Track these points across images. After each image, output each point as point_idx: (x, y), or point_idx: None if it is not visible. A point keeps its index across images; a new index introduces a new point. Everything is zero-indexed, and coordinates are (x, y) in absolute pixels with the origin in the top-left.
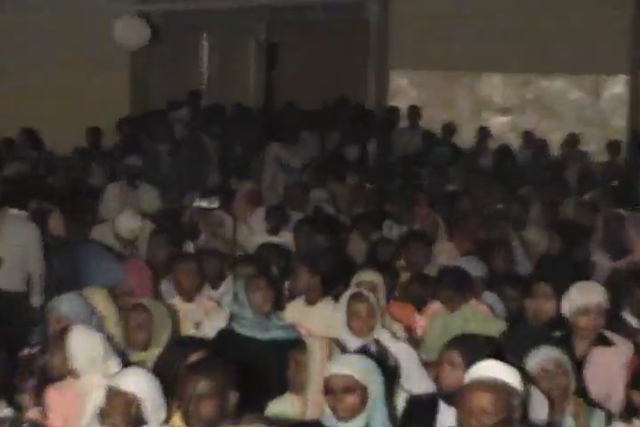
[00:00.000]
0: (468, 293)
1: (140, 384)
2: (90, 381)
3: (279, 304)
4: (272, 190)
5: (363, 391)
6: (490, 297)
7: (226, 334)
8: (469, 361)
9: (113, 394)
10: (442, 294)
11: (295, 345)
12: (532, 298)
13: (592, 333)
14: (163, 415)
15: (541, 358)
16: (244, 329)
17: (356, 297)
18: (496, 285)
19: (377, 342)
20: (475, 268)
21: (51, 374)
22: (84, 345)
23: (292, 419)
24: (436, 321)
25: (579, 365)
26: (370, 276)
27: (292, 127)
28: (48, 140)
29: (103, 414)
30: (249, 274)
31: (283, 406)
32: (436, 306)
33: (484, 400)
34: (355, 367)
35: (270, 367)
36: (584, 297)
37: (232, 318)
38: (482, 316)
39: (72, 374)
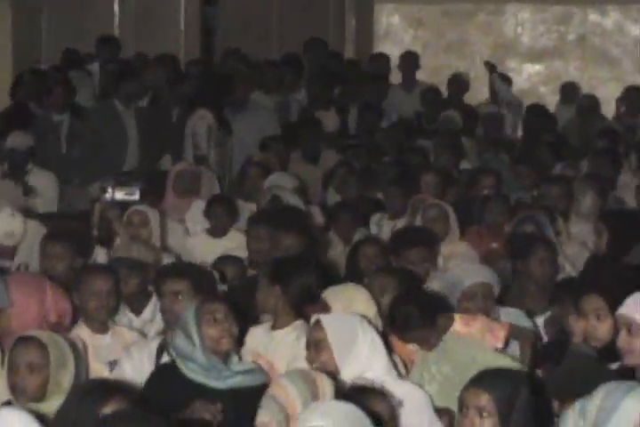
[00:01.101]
0: (444, 320)
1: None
2: None
3: (240, 340)
4: (213, 175)
5: None
6: (511, 314)
7: (168, 374)
8: (503, 406)
9: None
10: (408, 337)
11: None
12: (579, 316)
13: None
14: None
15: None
16: (192, 374)
17: (313, 325)
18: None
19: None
20: (483, 275)
21: None
22: None
23: None
24: (418, 369)
25: None
26: (347, 292)
27: (239, 85)
28: None
29: None
30: (202, 300)
31: None
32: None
33: None
34: (334, 420)
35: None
36: None
37: (175, 352)
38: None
39: None
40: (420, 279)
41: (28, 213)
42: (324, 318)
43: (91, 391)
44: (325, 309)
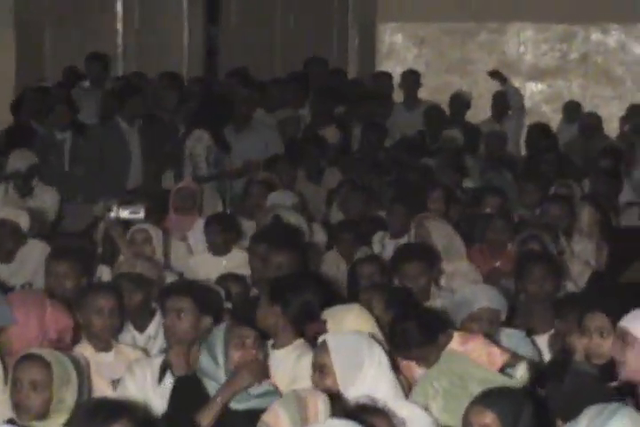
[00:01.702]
0: (443, 337)
1: None
2: None
3: None
4: (214, 193)
5: None
6: (512, 336)
7: (191, 389)
8: (508, 424)
9: None
10: (408, 355)
11: None
12: (582, 334)
13: None
14: None
15: None
16: (214, 392)
17: (319, 347)
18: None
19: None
20: (492, 300)
21: None
22: None
23: None
24: (421, 386)
25: None
26: (351, 314)
27: (241, 104)
28: None
29: None
30: (234, 323)
31: None
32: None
33: None
34: None
35: None
36: None
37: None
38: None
39: None
40: (416, 296)
41: (31, 233)
42: (331, 341)
43: (96, 412)
44: (325, 327)
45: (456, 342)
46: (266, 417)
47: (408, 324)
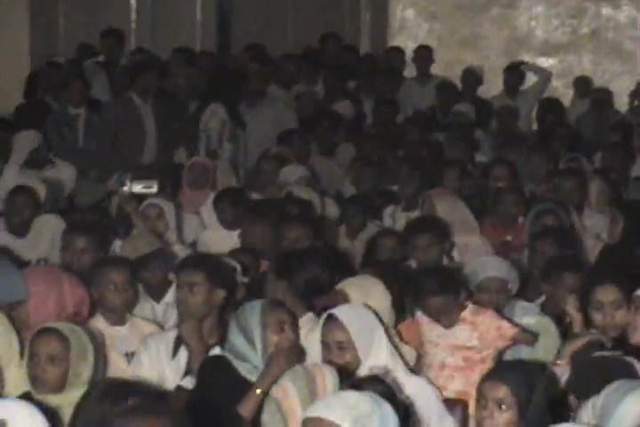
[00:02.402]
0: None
1: (14, 414)
2: None
3: None
4: (228, 168)
5: None
6: (526, 308)
7: (220, 368)
8: (522, 399)
9: None
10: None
11: None
12: (595, 308)
13: None
14: None
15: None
16: (247, 373)
17: (330, 321)
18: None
19: (386, 372)
20: (499, 269)
21: None
22: None
23: None
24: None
25: None
26: (364, 283)
27: (256, 79)
28: None
29: None
30: (269, 306)
31: None
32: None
33: None
34: (335, 411)
35: None
36: None
37: (229, 349)
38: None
39: None
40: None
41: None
42: (343, 316)
43: (110, 392)
44: (334, 299)
45: (468, 312)
46: (274, 392)
47: (432, 274)
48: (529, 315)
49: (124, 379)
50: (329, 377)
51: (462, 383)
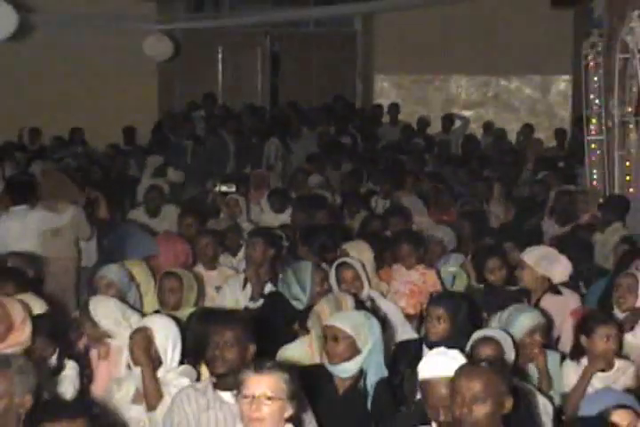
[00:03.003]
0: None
1: (155, 321)
2: (122, 337)
3: None
4: (278, 177)
5: (349, 341)
6: (456, 260)
7: (278, 301)
8: (452, 314)
9: (134, 332)
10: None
11: None
12: (487, 272)
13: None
14: (177, 356)
15: (527, 327)
16: (297, 304)
17: (342, 265)
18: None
19: (371, 300)
20: (440, 231)
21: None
22: (103, 310)
23: (300, 362)
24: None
25: None
26: (357, 245)
27: (294, 123)
28: (91, 138)
29: (130, 352)
30: (318, 265)
31: (293, 351)
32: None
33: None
34: (343, 321)
35: None
36: (538, 255)
37: (286, 289)
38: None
39: (106, 335)
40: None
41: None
42: (351, 262)
43: (214, 315)
44: (341, 255)
45: (421, 267)
46: (316, 308)
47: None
48: (454, 265)
49: (215, 307)
50: (349, 301)
51: (405, 303)
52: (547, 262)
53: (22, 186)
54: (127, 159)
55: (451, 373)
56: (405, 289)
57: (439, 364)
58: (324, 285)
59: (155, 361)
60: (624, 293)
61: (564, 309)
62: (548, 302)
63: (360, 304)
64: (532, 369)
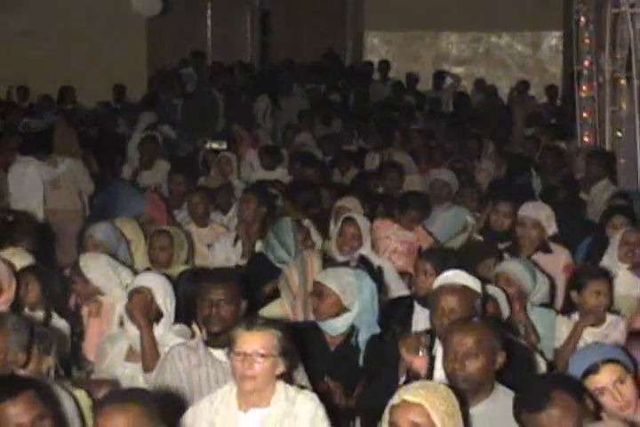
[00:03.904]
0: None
1: (152, 280)
2: (113, 294)
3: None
4: (267, 134)
5: (334, 298)
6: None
7: (261, 261)
8: (440, 270)
9: (132, 293)
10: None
11: None
12: (493, 214)
13: (538, 241)
14: (173, 309)
15: (502, 268)
16: (280, 265)
17: (347, 221)
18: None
19: (363, 257)
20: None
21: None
22: (94, 267)
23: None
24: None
25: None
26: (350, 201)
27: (284, 81)
28: (79, 95)
29: (128, 313)
30: (298, 220)
31: (274, 310)
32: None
33: (451, 302)
34: (329, 278)
35: None
36: (535, 212)
37: (269, 249)
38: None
39: (97, 292)
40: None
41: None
42: (356, 217)
43: (206, 275)
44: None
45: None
46: (285, 270)
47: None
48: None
49: (205, 266)
50: (315, 260)
51: (404, 262)
52: (545, 218)
53: (32, 137)
54: (117, 117)
55: (459, 281)
56: (404, 248)
57: (449, 276)
58: (306, 242)
59: (152, 321)
60: (634, 248)
61: (555, 266)
62: (540, 260)
63: (346, 264)
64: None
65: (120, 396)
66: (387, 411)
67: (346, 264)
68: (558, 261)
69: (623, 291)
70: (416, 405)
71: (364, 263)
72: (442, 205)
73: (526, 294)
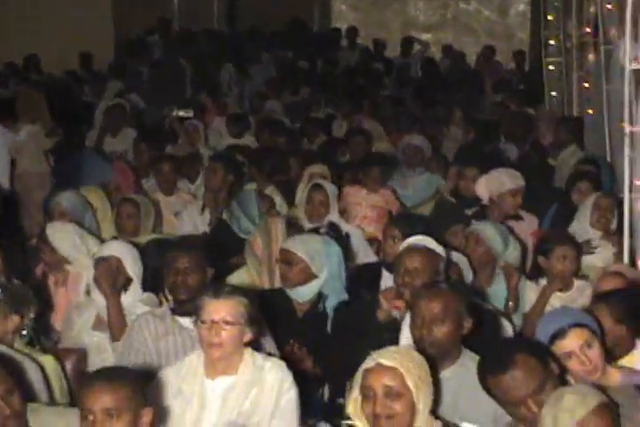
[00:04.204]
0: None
1: (118, 248)
2: (80, 263)
3: None
4: (235, 102)
5: (302, 265)
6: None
7: (225, 230)
8: (408, 236)
9: (98, 261)
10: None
11: None
12: (460, 179)
13: (513, 210)
14: (140, 277)
15: (474, 228)
16: (244, 235)
17: (315, 188)
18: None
19: (333, 223)
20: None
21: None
22: (61, 236)
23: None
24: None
25: None
26: (318, 168)
27: (253, 48)
28: (47, 64)
29: (95, 282)
30: (260, 189)
31: (241, 277)
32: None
33: (415, 262)
34: (296, 245)
35: None
36: (511, 181)
37: (233, 219)
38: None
39: (64, 261)
40: None
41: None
42: (325, 184)
43: (172, 245)
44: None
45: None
46: (251, 238)
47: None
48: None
49: (171, 237)
50: (280, 227)
51: (374, 228)
52: (498, 184)
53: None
54: (83, 86)
55: (423, 243)
56: (373, 214)
57: (414, 239)
58: (271, 212)
59: (119, 289)
60: (605, 213)
61: (525, 233)
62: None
63: (316, 230)
64: (494, 290)
65: (108, 374)
66: (359, 375)
67: (316, 231)
68: (528, 228)
69: (595, 258)
70: (391, 368)
71: (333, 230)
72: (414, 170)
73: (496, 257)
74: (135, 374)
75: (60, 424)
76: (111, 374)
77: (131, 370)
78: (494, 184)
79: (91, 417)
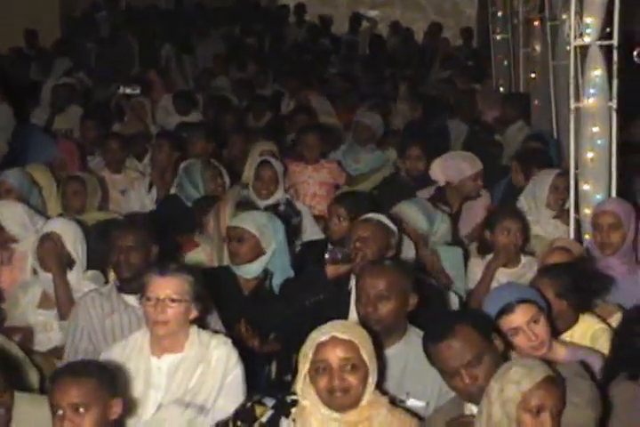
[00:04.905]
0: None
1: (61, 226)
2: (27, 242)
3: None
4: (181, 79)
5: (254, 241)
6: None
7: (174, 202)
8: (353, 214)
9: (42, 238)
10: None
11: None
12: (405, 159)
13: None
14: (84, 255)
15: (395, 209)
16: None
17: (263, 164)
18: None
19: (290, 201)
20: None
21: None
22: (10, 215)
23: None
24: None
25: (456, 215)
26: (267, 145)
27: (200, 24)
28: None
29: (39, 260)
30: (206, 162)
31: (197, 256)
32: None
33: (366, 231)
34: (247, 222)
35: None
36: (470, 167)
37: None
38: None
39: (11, 240)
40: None
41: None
42: (273, 161)
43: (115, 226)
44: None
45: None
46: (203, 220)
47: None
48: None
49: (130, 214)
50: (227, 207)
51: (324, 205)
52: (457, 172)
53: None
54: (29, 63)
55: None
56: (323, 191)
57: (371, 214)
58: (216, 180)
59: (64, 267)
60: (562, 194)
61: (482, 210)
62: (468, 205)
63: (272, 208)
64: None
65: (74, 368)
66: (310, 350)
67: (274, 208)
68: (483, 204)
69: (549, 236)
70: (347, 341)
71: (290, 206)
72: (365, 146)
73: (424, 235)
74: (102, 367)
75: (40, 414)
76: (77, 369)
77: (98, 363)
78: (452, 171)
79: (60, 412)
